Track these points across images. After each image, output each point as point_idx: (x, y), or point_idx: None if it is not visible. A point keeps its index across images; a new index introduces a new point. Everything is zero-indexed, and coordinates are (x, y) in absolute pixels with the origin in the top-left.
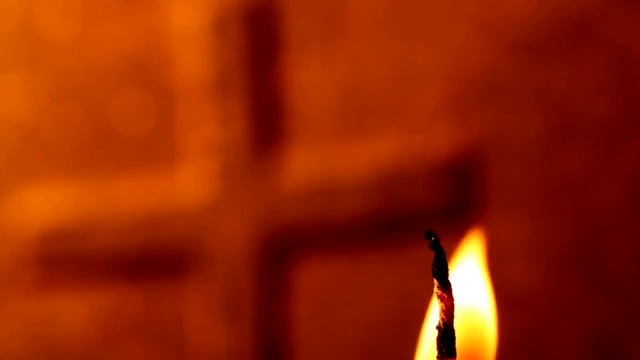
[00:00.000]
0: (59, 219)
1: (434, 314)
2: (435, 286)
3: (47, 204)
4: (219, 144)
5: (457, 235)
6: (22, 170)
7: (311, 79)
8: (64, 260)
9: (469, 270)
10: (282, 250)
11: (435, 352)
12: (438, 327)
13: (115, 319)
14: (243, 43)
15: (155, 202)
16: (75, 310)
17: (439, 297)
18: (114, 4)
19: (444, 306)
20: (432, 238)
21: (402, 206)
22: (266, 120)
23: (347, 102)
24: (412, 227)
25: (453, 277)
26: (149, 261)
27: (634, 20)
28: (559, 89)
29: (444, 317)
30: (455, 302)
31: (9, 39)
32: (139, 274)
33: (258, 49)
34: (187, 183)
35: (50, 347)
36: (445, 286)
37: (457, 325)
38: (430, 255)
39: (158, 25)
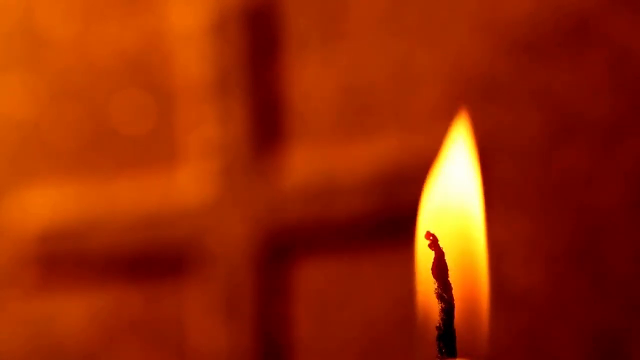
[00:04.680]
0: (59, 219)
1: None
2: (435, 286)
3: (47, 204)
4: (219, 144)
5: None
6: (22, 170)
7: (311, 79)
8: (64, 260)
9: (457, 164)
10: (282, 250)
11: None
12: (438, 327)
13: (115, 319)
14: (243, 43)
15: (155, 202)
16: (75, 310)
17: (438, 297)
18: (114, 4)
19: (443, 306)
20: (432, 238)
21: (402, 206)
22: (266, 120)
23: (347, 102)
24: (412, 227)
25: (442, 174)
26: (149, 261)
27: (634, 20)
28: (559, 89)
29: (444, 317)
30: (453, 301)
31: (9, 38)
32: (139, 274)
33: (258, 49)
34: (187, 183)
35: (50, 347)
36: (445, 286)
37: (445, 229)
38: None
39: (158, 25)
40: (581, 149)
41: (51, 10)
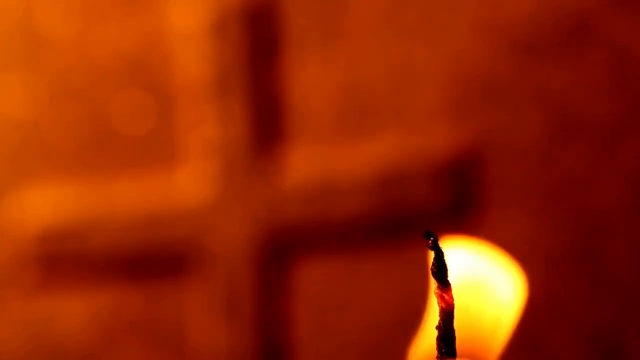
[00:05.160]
0: (59, 219)
1: (433, 314)
2: (435, 286)
3: (47, 204)
4: (219, 144)
5: (457, 235)
6: (22, 170)
7: (311, 79)
8: (64, 260)
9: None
10: (282, 250)
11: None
12: (438, 327)
13: (115, 319)
14: (243, 43)
15: (155, 202)
16: (75, 310)
17: (438, 297)
18: (114, 4)
19: (444, 306)
20: (432, 238)
21: (402, 206)
22: (266, 120)
23: (347, 102)
24: (412, 227)
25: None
26: (149, 261)
27: (634, 20)
28: (559, 89)
29: (444, 317)
30: (454, 303)
31: (9, 38)
32: (139, 274)
33: (258, 49)
34: (187, 183)
35: (50, 347)
36: (445, 286)
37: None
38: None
39: (158, 25)
40: (581, 149)
41: (51, 10)
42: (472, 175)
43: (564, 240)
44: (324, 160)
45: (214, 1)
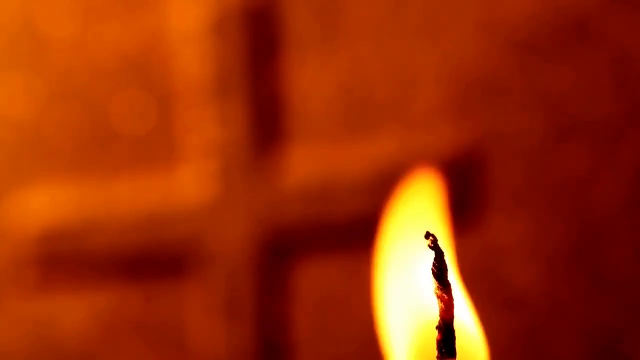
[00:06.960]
0: (59, 219)
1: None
2: (435, 286)
3: (47, 204)
4: (219, 144)
5: (457, 236)
6: (22, 170)
7: (311, 79)
8: (64, 260)
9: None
10: (282, 250)
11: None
12: (438, 327)
13: (116, 319)
14: (243, 43)
15: (155, 202)
16: (75, 310)
17: (438, 297)
18: (114, 4)
19: (443, 306)
20: (431, 238)
21: None
22: (266, 120)
23: (347, 102)
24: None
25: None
26: (149, 261)
27: (634, 20)
28: (559, 89)
29: (444, 317)
30: (454, 302)
31: (10, 38)
32: (139, 274)
33: (258, 49)
34: (187, 183)
35: (50, 347)
36: (445, 286)
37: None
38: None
39: (158, 25)
40: (581, 149)
41: (51, 11)
42: (473, 175)
43: (565, 240)
44: (324, 160)
45: (214, 1)
